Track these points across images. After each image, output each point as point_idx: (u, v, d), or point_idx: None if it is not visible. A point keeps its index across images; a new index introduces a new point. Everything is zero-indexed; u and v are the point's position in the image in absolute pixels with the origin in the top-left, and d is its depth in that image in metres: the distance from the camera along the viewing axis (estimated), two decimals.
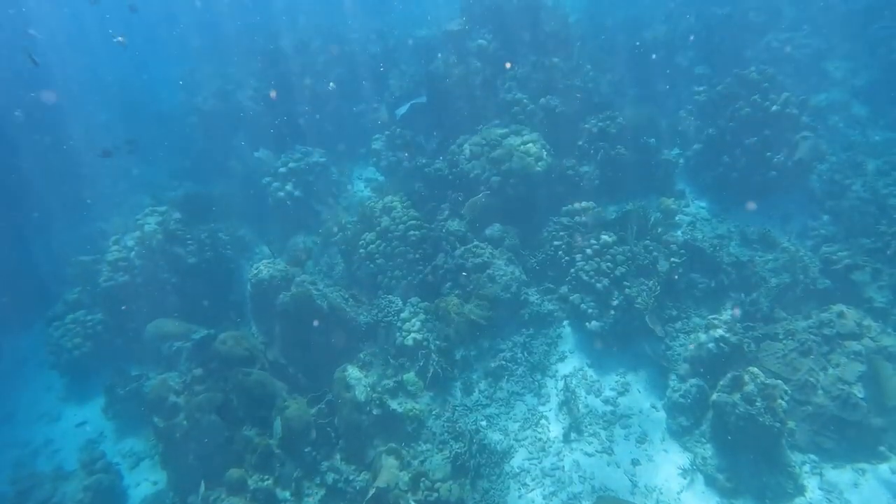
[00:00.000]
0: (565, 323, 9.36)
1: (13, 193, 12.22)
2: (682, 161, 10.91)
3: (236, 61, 14.88)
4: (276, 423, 7.68)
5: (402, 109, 11.73)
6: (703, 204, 10.46)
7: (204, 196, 11.37)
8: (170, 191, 13.38)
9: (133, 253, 9.80)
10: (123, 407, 9.14)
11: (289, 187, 11.35)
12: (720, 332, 7.61)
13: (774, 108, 9.49)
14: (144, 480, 8.51)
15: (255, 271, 9.22)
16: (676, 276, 8.76)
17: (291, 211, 11.39)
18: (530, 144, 9.96)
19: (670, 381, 7.98)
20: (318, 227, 11.43)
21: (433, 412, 8.38)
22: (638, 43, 12.54)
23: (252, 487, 7.25)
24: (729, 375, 7.19)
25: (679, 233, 9.81)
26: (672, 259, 8.74)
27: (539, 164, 9.79)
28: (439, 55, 11.17)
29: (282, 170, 11.41)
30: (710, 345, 7.55)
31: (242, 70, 14.07)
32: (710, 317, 8.09)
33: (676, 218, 10.20)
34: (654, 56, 12.42)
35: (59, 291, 11.10)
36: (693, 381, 7.53)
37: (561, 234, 9.52)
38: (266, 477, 7.37)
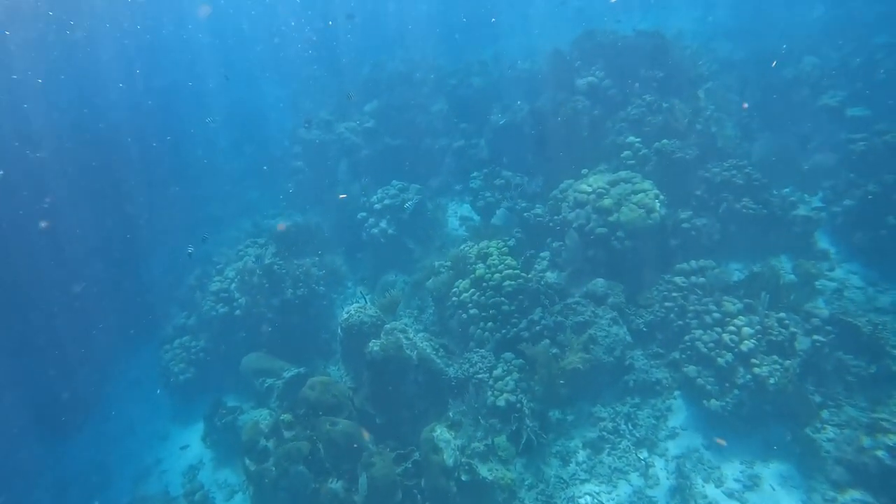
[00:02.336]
0: (676, 394, 8.36)
1: (131, 219, 13.18)
2: (824, 216, 9.53)
3: (338, 92, 15.33)
4: (362, 480, 7.40)
5: (503, 119, 11.33)
6: (853, 268, 9.02)
7: (301, 228, 11.60)
8: (270, 219, 13.85)
9: (233, 285, 10.09)
10: (220, 437, 9.37)
11: (383, 224, 11.30)
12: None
13: None
14: None
15: (347, 316, 9.14)
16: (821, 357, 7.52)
17: (384, 248, 11.30)
18: (642, 194, 9.14)
19: (817, 484, 6.75)
20: (411, 266, 11.24)
21: (526, 482, 7.74)
22: (773, 80, 11.28)
23: None
24: None
25: (821, 302, 8.51)
26: (815, 337, 7.51)
27: (651, 216, 8.93)
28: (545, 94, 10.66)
29: (377, 206, 11.39)
30: (881, 453, 6.26)
31: (343, 101, 14.42)
32: (877, 416, 6.78)
33: (818, 284, 8.86)
34: (794, 95, 11.10)
35: (167, 312, 11.73)
36: (856, 494, 6.27)
37: (674, 294, 8.57)
38: None
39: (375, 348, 8.56)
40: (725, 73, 11.88)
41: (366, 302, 10.27)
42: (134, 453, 10.32)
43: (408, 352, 8.73)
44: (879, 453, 6.18)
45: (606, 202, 9.16)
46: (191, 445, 9.94)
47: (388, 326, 9.20)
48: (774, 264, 8.97)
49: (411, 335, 9.19)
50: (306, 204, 13.20)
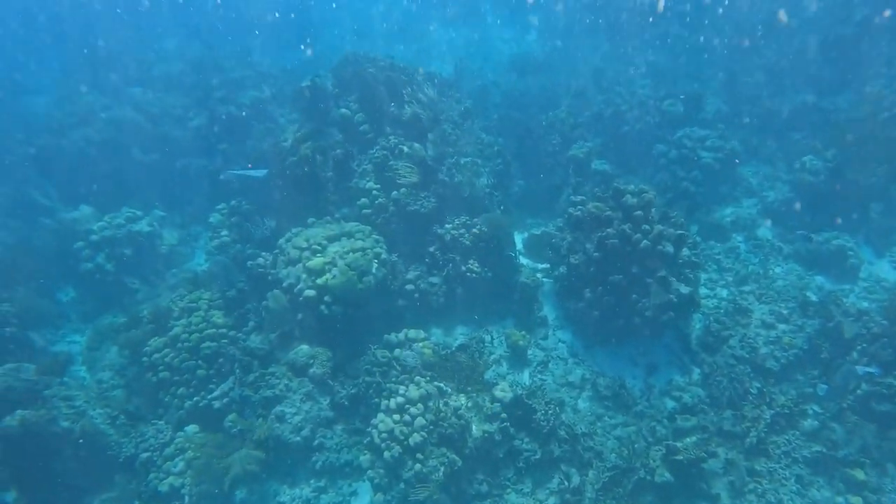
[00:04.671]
0: (365, 477, 7.84)
1: None
2: (545, 280, 9.38)
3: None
4: None
5: (250, 173, 10.13)
6: (564, 337, 8.93)
7: None
8: None
9: None
10: None
11: (100, 259, 9.76)
12: None
13: (644, 242, 7.96)
14: None
15: None
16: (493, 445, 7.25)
17: (100, 286, 9.82)
18: (359, 254, 8.40)
19: None
20: (133, 308, 9.84)
21: None
22: (533, 125, 11.00)
23: None
24: None
25: (526, 375, 8.35)
26: (484, 428, 7.21)
27: (364, 280, 8.23)
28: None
29: (94, 237, 9.80)
30: None
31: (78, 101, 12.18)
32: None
33: (529, 353, 8.67)
34: (551, 143, 10.87)
35: None
36: None
37: (374, 369, 7.97)
38: None
39: (13, 423, 7.26)
40: (489, 113, 11.46)
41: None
42: None
43: (64, 424, 7.55)
44: None
45: (317, 261, 8.31)
46: None
47: (47, 392, 7.88)
48: (486, 334, 8.68)
49: (80, 402, 7.99)
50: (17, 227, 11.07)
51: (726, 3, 13.18)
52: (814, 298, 8.92)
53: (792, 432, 7.27)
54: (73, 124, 11.43)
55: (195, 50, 15.10)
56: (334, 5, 20.28)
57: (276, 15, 16.40)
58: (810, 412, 7.41)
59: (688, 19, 13.53)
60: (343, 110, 10.12)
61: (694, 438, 7.31)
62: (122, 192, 11.00)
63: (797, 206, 10.29)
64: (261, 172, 9.75)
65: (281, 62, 15.21)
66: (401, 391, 7.50)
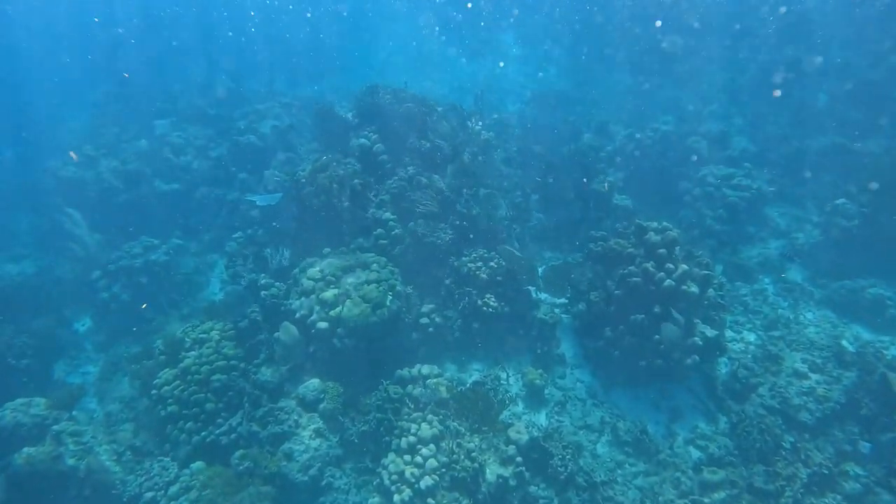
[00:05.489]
0: None
1: None
2: (563, 317, 9.09)
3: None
4: None
5: (265, 199, 10.13)
6: (583, 377, 8.58)
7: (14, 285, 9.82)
8: None
9: None
10: None
11: (116, 288, 9.77)
12: None
13: (668, 281, 7.67)
14: None
15: None
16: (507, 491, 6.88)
17: (116, 316, 9.80)
18: (373, 286, 8.25)
19: None
20: (149, 336, 9.80)
21: None
22: (553, 158, 10.87)
23: None
24: None
25: (542, 416, 8.00)
26: (499, 472, 6.86)
27: (378, 312, 8.06)
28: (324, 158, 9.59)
29: (111, 267, 9.84)
30: None
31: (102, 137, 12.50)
32: None
33: (546, 392, 8.34)
34: (571, 176, 10.71)
35: None
36: None
37: (386, 406, 7.71)
38: None
39: (19, 461, 7.13)
40: (508, 146, 11.39)
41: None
42: None
43: (70, 461, 7.39)
44: None
45: (330, 293, 8.19)
46: None
47: (55, 428, 7.76)
48: (500, 372, 8.39)
49: (87, 438, 7.85)
50: (45, 252, 11.17)
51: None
52: (850, 348, 8.45)
53: (833, 496, 6.73)
54: (101, 155, 11.66)
55: (221, 82, 15.48)
56: (358, 53, 20.79)
57: (303, 48, 16.85)
58: (852, 473, 6.88)
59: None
60: (362, 140, 10.14)
61: (723, 494, 6.83)
62: (143, 221, 11.11)
63: (829, 249, 9.89)
64: (275, 198, 9.77)
65: (303, 93, 15.50)
66: (413, 430, 7.23)
